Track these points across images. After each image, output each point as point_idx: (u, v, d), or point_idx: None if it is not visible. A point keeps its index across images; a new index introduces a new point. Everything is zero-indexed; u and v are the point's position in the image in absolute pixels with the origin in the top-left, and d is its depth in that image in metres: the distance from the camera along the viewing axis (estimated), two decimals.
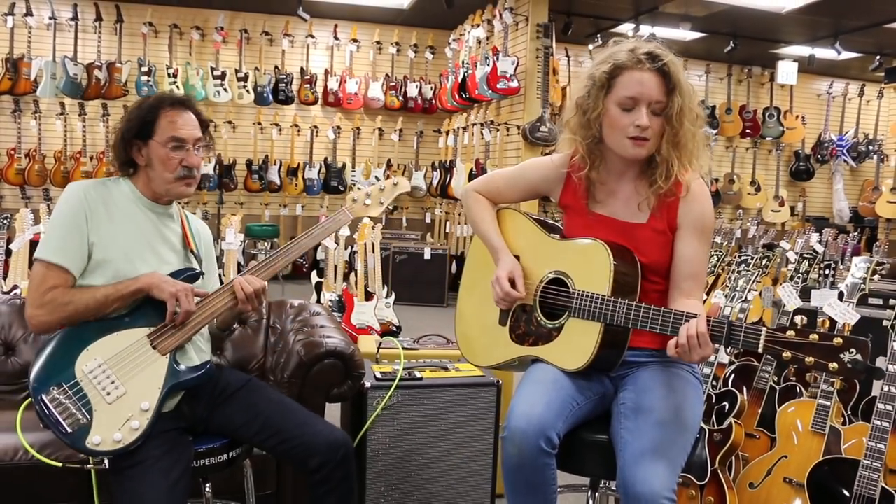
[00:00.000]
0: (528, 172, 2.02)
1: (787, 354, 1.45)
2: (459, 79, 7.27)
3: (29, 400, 1.95)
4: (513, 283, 1.88)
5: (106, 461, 1.77)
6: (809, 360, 1.43)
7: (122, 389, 1.74)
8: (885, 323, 2.20)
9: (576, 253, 1.86)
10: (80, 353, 1.75)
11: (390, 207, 2.19)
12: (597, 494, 1.96)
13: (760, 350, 1.48)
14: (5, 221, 4.49)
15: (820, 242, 5.29)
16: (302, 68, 8.11)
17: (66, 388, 1.71)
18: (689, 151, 1.76)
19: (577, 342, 1.77)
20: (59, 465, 1.86)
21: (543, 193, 2.03)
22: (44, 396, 1.70)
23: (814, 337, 1.43)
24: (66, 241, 1.80)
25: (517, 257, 1.95)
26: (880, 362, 2.60)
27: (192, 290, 1.85)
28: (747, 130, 9.10)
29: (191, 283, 1.88)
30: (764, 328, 1.50)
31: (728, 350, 2.70)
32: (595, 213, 1.88)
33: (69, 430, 1.68)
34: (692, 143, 1.76)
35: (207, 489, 1.96)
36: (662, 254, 1.81)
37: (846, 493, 2.07)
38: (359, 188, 2.17)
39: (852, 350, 1.39)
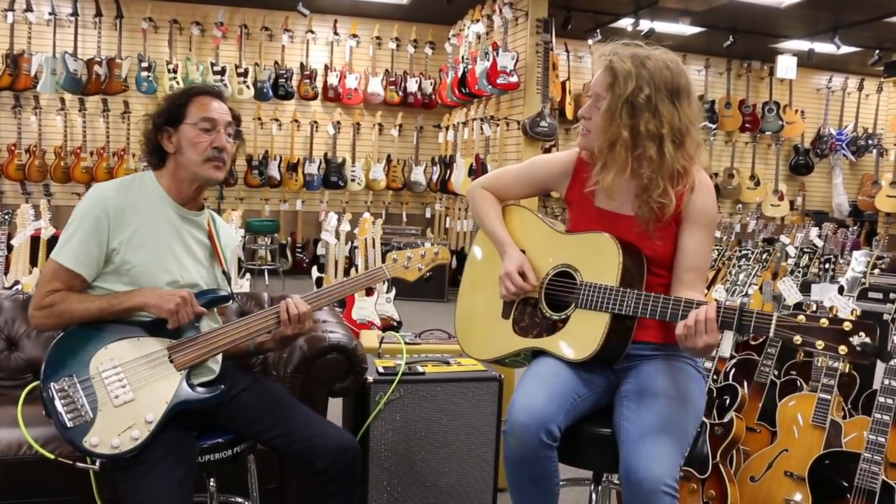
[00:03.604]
0: (535, 168, 2.06)
1: (797, 338, 1.47)
2: (459, 74, 7.27)
3: (29, 388, 1.94)
4: (522, 275, 1.90)
5: (97, 463, 1.74)
6: (820, 343, 1.44)
7: (130, 395, 1.72)
8: (885, 317, 2.20)
9: (583, 245, 1.87)
10: (99, 350, 1.75)
11: (427, 275, 2.25)
12: (599, 488, 1.96)
13: (772, 334, 1.50)
14: (6, 217, 4.49)
15: (819, 237, 5.29)
16: (302, 64, 8.10)
17: (77, 381, 1.70)
18: (651, 134, 1.73)
19: (584, 332, 1.78)
20: (52, 456, 1.81)
21: (550, 189, 2.08)
22: (53, 384, 1.69)
23: (824, 322, 1.45)
24: (83, 246, 1.78)
25: (522, 251, 1.96)
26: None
27: (189, 296, 1.81)
28: (746, 125, 9.10)
29: (219, 304, 1.89)
30: (775, 314, 1.51)
31: (735, 336, 2.70)
32: (600, 209, 1.89)
33: (70, 424, 1.66)
34: (646, 127, 1.73)
35: (212, 484, 1.96)
36: (667, 246, 1.83)
37: (847, 486, 2.08)
38: (401, 249, 2.18)
39: (861, 333, 1.41)
